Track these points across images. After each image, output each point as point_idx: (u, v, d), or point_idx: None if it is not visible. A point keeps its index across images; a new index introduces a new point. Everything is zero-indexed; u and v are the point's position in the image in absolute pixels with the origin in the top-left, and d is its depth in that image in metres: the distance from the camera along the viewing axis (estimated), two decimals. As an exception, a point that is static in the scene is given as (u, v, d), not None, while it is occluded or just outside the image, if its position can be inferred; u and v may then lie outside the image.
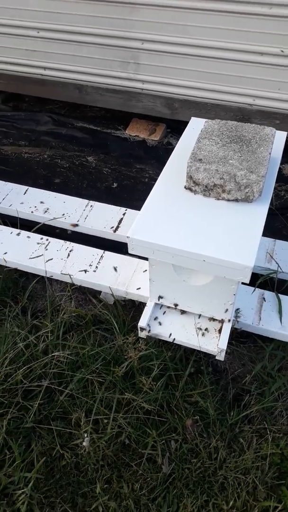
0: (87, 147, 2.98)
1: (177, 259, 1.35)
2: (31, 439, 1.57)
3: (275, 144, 1.55)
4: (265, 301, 1.71)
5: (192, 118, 1.81)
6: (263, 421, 1.59)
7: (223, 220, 1.38)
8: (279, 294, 1.71)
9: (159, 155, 2.92)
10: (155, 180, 2.71)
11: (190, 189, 1.47)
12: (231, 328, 1.62)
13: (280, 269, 1.76)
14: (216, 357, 1.58)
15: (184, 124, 2.94)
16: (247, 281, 1.32)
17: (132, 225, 1.39)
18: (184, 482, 1.47)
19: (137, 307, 1.91)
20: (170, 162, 1.59)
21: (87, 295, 1.98)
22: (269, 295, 1.73)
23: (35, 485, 1.46)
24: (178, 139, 2.98)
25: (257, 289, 1.73)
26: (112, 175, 2.77)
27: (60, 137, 3.07)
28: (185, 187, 1.49)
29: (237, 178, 1.37)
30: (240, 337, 1.82)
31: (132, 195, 2.58)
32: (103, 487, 1.47)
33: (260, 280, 1.73)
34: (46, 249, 1.92)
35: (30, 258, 1.88)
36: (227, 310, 1.53)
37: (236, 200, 1.43)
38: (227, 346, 1.58)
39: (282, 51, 2.34)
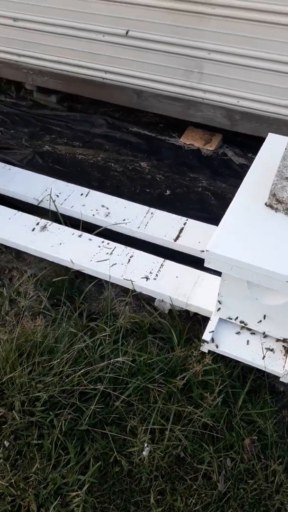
0: (141, 153, 3.02)
1: (256, 277, 1.36)
2: (84, 442, 1.59)
3: None
4: None
5: (269, 134, 1.82)
6: None
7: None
8: None
9: (213, 165, 2.94)
10: (208, 190, 2.76)
11: (271, 207, 1.48)
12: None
13: None
14: (281, 379, 1.58)
15: (242, 136, 2.98)
16: None
17: (212, 238, 1.41)
18: (239, 503, 1.46)
19: (191, 318, 1.92)
20: (249, 178, 1.61)
21: (141, 301, 2.00)
22: None
23: (89, 489, 1.48)
24: (234, 151, 3.03)
25: None
26: (165, 182, 2.79)
27: (114, 140, 3.11)
28: (265, 204, 1.50)
29: None
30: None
31: (185, 203, 2.60)
32: (156, 498, 1.48)
33: None
34: (107, 253, 1.95)
35: (92, 260, 1.91)
36: (296, 331, 1.53)
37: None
38: (287, 368, 1.58)
39: None
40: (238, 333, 1.64)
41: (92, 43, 2.92)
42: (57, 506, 1.43)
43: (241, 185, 1.59)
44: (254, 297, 1.51)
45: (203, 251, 1.92)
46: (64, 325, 1.84)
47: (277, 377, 1.73)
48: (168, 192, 2.73)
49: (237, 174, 2.84)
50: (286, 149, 1.53)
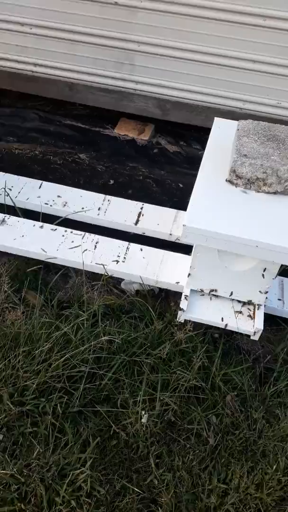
0: (78, 145, 3.06)
1: (229, 245, 1.51)
2: (77, 423, 1.64)
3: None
4: (284, 287, 1.91)
5: (216, 118, 1.98)
6: (290, 394, 1.79)
7: (266, 210, 1.57)
8: (296, 281, 1.93)
9: (149, 154, 3.07)
10: (149, 177, 2.90)
11: (231, 182, 1.64)
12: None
13: None
14: (252, 337, 1.76)
15: (173, 125, 3.15)
16: (294, 264, 1.51)
17: (187, 214, 1.53)
18: (230, 452, 1.62)
19: (157, 296, 2.04)
20: (206, 158, 1.75)
21: (108, 286, 2.08)
22: (287, 281, 1.94)
23: (92, 464, 1.54)
24: (166, 139, 3.19)
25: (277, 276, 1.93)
26: (107, 173, 2.87)
27: (49, 134, 3.12)
28: (226, 180, 1.65)
29: (279, 172, 1.56)
30: (257, 322, 2.01)
31: (130, 192, 2.70)
32: (156, 461, 1.58)
33: (282, 268, 1.93)
34: (72, 241, 1.99)
35: (59, 250, 1.95)
36: (263, 293, 1.71)
37: (275, 193, 1.62)
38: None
39: (273, 60, 2.59)
40: (207, 302, 1.79)
41: (20, 35, 2.89)
42: (64, 485, 1.47)
43: (200, 166, 1.73)
44: (224, 265, 1.67)
45: (170, 234, 2.05)
46: (38, 315, 1.86)
47: (242, 339, 1.92)
48: (111, 181, 2.81)
49: (172, 162, 3.01)
50: (237, 130, 1.70)
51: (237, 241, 1.49)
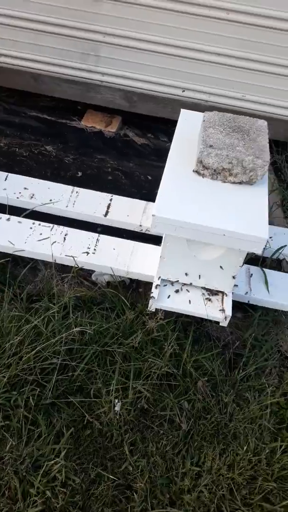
0: (44, 137, 3.02)
1: (198, 234, 1.54)
2: (50, 415, 1.64)
3: (260, 135, 1.81)
4: (251, 274, 1.97)
5: (182, 110, 2.00)
6: (259, 378, 1.85)
7: (233, 200, 1.60)
8: (263, 269, 1.99)
9: (117, 146, 3.07)
10: (118, 169, 2.90)
11: (199, 173, 1.67)
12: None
13: (269, 245, 2.04)
14: (221, 324, 1.80)
15: (140, 117, 3.15)
16: (260, 252, 1.55)
17: (155, 204, 1.55)
18: (202, 436, 1.66)
19: (128, 287, 2.06)
20: (173, 149, 1.77)
21: (78, 278, 2.08)
22: (253, 269, 1.99)
23: (66, 455, 1.55)
24: (134, 131, 3.19)
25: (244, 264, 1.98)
26: (74, 165, 2.85)
27: (14, 126, 3.07)
28: (193, 171, 1.68)
29: (244, 163, 1.59)
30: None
31: (99, 184, 2.70)
32: (130, 449, 1.60)
33: (248, 257, 1.98)
34: (41, 234, 1.98)
35: (27, 242, 1.93)
36: (231, 281, 1.76)
37: (240, 183, 1.66)
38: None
39: (237, 53, 2.64)
40: (177, 290, 1.82)
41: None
42: (39, 476, 1.47)
43: (168, 157, 1.75)
44: (193, 254, 1.70)
45: (139, 225, 2.06)
46: (7, 309, 1.84)
47: (212, 326, 1.96)
48: (79, 173, 2.80)
49: (140, 154, 3.02)
50: (203, 121, 1.73)
51: (204, 230, 1.52)
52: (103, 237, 2.01)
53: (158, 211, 1.53)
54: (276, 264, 2.22)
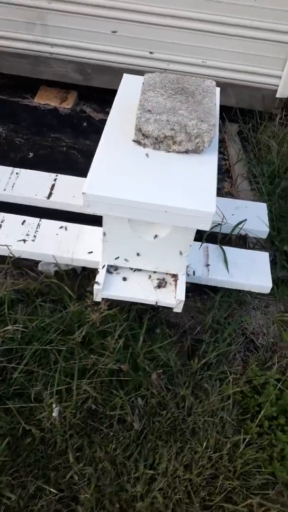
0: (-6, 117, 2.76)
1: (137, 212, 1.33)
2: (-14, 423, 1.44)
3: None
4: (209, 254, 1.76)
5: (125, 75, 1.76)
6: (220, 365, 1.66)
7: (177, 171, 1.39)
8: (222, 246, 1.78)
9: (73, 123, 2.82)
10: (74, 148, 2.65)
11: (139, 143, 1.45)
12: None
13: (226, 220, 1.83)
14: (174, 310, 1.61)
15: (97, 91, 2.89)
16: (208, 228, 1.35)
17: (86, 180, 1.33)
18: (157, 435, 1.48)
19: (79, 275, 1.85)
20: (112, 117, 1.54)
21: (22, 269, 1.86)
22: (212, 248, 1.79)
23: (1, 468, 1.36)
24: (91, 107, 2.93)
25: (200, 242, 1.78)
26: (26, 145, 2.61)
27: None
28: (133, 141, 1.45)
29: (188, 128, 1.37)
30: (187, 292, 1.87)
31: (51, 164, 2.46)
32: (75, 455, 1.42)
33: (206, 234, 1.78)
34: (-26, 221, 1.75)
35: None
36: (183, 262, 1.55)
37: (186, 151, 1.44)
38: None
39: (195, 15, 2.39)
40: (125, 278, 1.62)
41: None
42: None
43: (105, 126, 1.52)
44: (138, 235, 1.49)
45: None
46: None
47: (170, 312, 1.77)
48: (31, 154, 2.56)
49: (99, 130, 2.73)
50: (143, 83, 1.49)
51: (144, 207, 1.31)
52: (46, 222, 1.79)
53: (89, 188, 1.31)
54: (242, 241, 2.02)
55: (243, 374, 1.66)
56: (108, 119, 1.54)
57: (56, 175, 1.96)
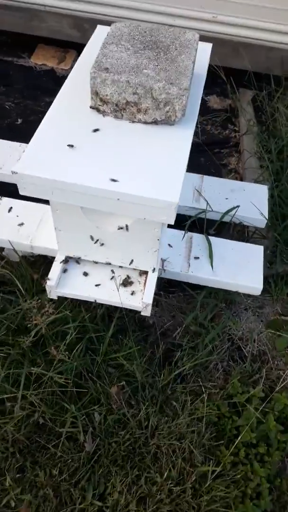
0: (-16, 79, 2.49)
1: (84, 199, 1.05)
2: None
3: (199, 56, 1.24)
4: (193, 245, 1.47)
5: (99, 25, 1.45)
6: (198, 378, 1.41)
7: (140, 148, 1.09)
8: (209, 237, 1.48)
9: (70, 87, 2.50)
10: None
11: (98, 110, 1.15)
12: (158, 278, 1.37)
13: (210, 207, 1.52)
14: (142, 313, 1.34)
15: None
16: (172, 222, 1.06)
17: (22, 157, 1.06)
18: (112, 458, 1.25)
19: (48, 263, 1.60)
20: (71, 79, 1.25)
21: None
22: (197, 238, 1.50)
23: None
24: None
25: (183, 231, 1.49)
26: (16, 110, 2.34)
27: None
28: (90, 107, 1.16)
29: (154, 92, 1.06)
30: (168, 287, 1.60)
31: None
32: (15, 477, 1.22)
33: (189, 222, 1.48)
34: None
35: None
36: (153, 257, 1.27)
37: (155, 122, 1.13)
38: (154, 298, 1.35)
39: None
40: (86, 273, 1.35)
41: None
42: None
43: (61, 88, 1.23)
44: (95, 225, 1.22)
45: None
46: None
47: (146, 311, 1.50)
48: (19, 121, 2.29)
49: (98, 94, 2.45)
50: (107, 35, 1.18)
51: (91, 194, 1.03)
52: (6, 200, 1.54)
53: (22, 167, 1.04)
54: (240, 229, 1.71)
55: (223, 389, 1.39)
56: (67, 80, 1.25)
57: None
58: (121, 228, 1.19)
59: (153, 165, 1.06)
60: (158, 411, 1.32)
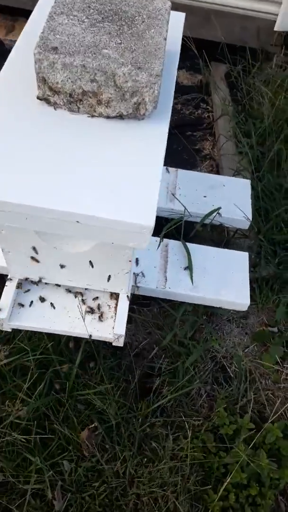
0: None
1: (33, 222, 0.80)
2: None
3: (171, 28, 0.98)
4: (169, 254, 1.25)
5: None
6: (179, 407, 1.21)
7: (102, 152, 0.84)
8: (187, 244, 1.26)
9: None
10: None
11: (47, 101, 0.88)
12: (130, 299, 1.15)
13: (187, 211, 1.29)
14: (114, 344, 1.12)
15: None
16: (144, 247, 0.82)
17: None
18: (85, 515, 1.06)
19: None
20: (12, 59, 0.96)
21: None
22: (174, 246, 1.27)
23: None
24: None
25: (157, 238, 1.26)
26: None
27: None
28: (38, 98, 0.89)
29: (117, 79, 0.81)
30: (142, 299, 1.38)
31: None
32: None
33: (165, 231, 1.25)
34: None
35: None
36: (124, 278, 1.04)
37: (120, 116, 0.88)
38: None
39: None
40: (44, 299, 1.11)
41: None
42: None
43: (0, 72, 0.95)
44: (52, 245, 0.97)
45: None
46: None
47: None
48: None
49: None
50: (55, 2, 0.90)
51: (44, 215, 0.78)
52: None
53: None
54: (217, 229, 1.49)
55: (208, 418, 1.21)
56: (7, 61, 0.96)
57: None
58: (83, 250, 0.95)
59: (120, 175, 0.81)
60: (137, 453, 1.13)
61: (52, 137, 0.85)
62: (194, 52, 1.93)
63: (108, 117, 0.88)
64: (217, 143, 1.87)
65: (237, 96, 2.00)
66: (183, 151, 1.85)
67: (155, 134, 0.87)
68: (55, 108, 0.89)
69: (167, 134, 0.90)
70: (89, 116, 0.89)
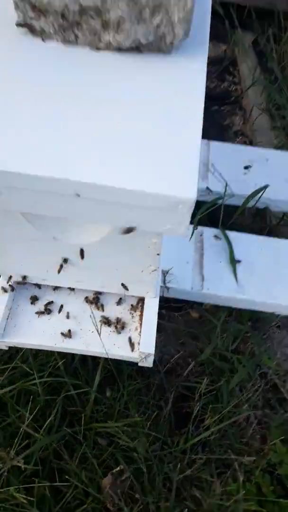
0: None
1: (14, 198, 0.52)
2: None
3: None
4: (205, 246, 0.96)
5: None
6: (224, 437, 0.92)
7: (115, 100, 0.56)
8: (227, 232, 0.97)
9: None
10: None
11: (32, 28, 0.60)
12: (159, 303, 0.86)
13: (230, 189, 1.00)
14: (140, 364, 0.83)
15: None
16: (183, 232, 0.54)
17: None
18: None
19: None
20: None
21: None
22: (209, 235, 0.98)
23: None
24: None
25: (190, 226, 0.96)
26: None
27: None
28: (18, 25, 0.61)
29: (132, -16, 0.52)
30: (172, 302, 1.10)
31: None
32: None
33: (199, 216, 0.96)
34: None
35: None
36: (148, 281, 0.75)
37: (138, 48, 0.59)
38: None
39: None
40: (49, 310, 0.83)
41: None
42: None
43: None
44: (50, 236, 0.69)
45: None
46: None
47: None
48: None
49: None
50: None
51: (32, 187, 0.50)
52: None
53: None
54: (258, 215, 1.19)
55: (261, 453, 0.92)
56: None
57: None
58: (94, 240, 0.67)
59: (141, 130, 0.53)
60: (175, 503, 0.84)
61: (41, 81, 0.57)
62: (216, 19, 1.64)
63: (119, 49, 0.60)
64: (249, 117, 1.57)
65: (267, 65, 1.70)
66: (211, 128, 1.56)
67: (189, 74, 0.58)
68: (43, 39, 0.61)
69: (205, 75, 0.61)
70: (92, 49, 0.60)
